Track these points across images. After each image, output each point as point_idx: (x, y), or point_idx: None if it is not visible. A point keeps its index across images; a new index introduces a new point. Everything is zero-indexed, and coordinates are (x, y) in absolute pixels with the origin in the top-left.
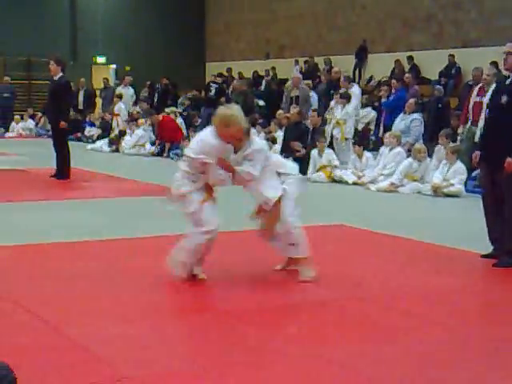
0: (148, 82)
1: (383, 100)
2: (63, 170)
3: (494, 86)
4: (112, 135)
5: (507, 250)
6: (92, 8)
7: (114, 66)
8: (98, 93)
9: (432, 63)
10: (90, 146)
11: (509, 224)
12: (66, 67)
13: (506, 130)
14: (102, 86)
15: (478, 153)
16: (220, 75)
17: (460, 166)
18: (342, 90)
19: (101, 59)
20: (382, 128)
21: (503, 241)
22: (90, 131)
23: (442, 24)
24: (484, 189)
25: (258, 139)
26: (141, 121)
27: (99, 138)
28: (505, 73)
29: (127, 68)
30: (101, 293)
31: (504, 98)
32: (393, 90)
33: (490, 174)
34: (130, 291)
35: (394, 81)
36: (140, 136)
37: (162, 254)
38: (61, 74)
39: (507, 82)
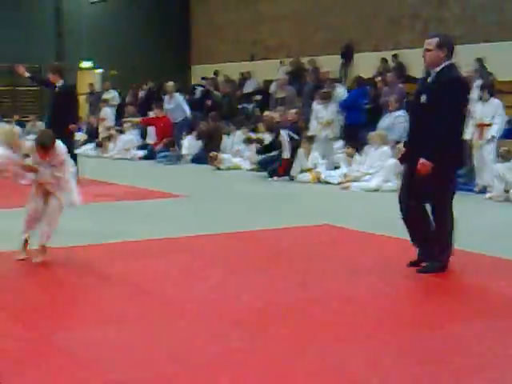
0: (134, 85)
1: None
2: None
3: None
4: (99, 139)
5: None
6: (77, 13)
7: (99, 70)
8: (84, 98)
9: (418, 61)
10: (75, 151)
11: (438, 234)
12: (63, 73)
13: (425, 130)
14: (88, 90)
15: (402, 149)
16: (204, 78)
17: None
18: (324, 90)
19: (86, 64)
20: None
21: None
22: (76, 136)
23: (427, 22)
24: (402, 185)
25: None
26: (126, 126)
27: (85, 142)
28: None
29: (112, 72)
30: (80, 298)
31: (423, 98)
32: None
33: (410, 172)
34: (109, 297)
35: (379, 78)
36: (126, 141)
37: (145, 258)
38: (61, 81)
39: (429, 80)
